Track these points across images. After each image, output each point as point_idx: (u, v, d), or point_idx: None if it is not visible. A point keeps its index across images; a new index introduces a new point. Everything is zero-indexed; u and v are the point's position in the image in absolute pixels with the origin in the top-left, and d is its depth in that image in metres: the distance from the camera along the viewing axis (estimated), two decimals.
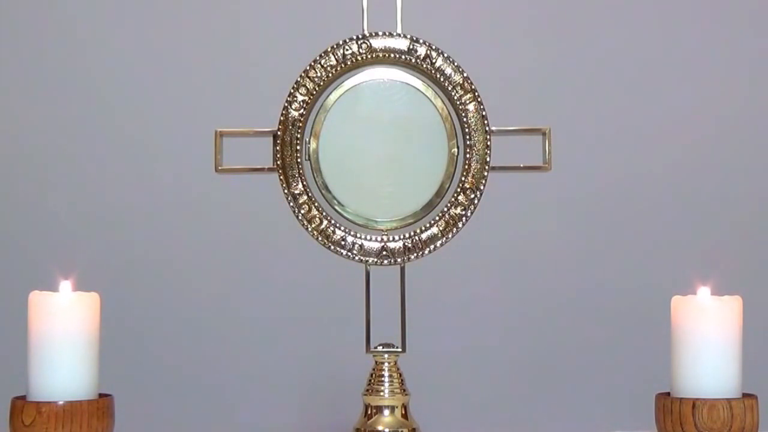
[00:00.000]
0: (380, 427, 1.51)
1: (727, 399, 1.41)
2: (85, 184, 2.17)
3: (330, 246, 1.50)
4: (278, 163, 1.50)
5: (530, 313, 2.16)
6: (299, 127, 1.50)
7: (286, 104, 1.50)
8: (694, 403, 1.41)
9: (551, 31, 2.19)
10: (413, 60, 1.51)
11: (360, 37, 1.51)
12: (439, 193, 1.52)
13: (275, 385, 2.14)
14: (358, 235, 1.51)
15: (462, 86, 1.51)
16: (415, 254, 1.51)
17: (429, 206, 1.52)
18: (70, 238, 2.15)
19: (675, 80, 2.19)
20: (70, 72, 2.17)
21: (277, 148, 1.50)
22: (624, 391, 2.11)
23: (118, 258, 2.15)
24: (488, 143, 1.50)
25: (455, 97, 1.51)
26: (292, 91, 1.50)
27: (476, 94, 1.51)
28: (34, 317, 1.40)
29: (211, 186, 2.09)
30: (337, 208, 1.51)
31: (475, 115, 1.51)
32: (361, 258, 1.50)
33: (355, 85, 1.51)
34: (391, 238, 1.51)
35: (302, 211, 1.50)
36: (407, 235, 1.51)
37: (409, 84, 1.51)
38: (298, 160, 1.50)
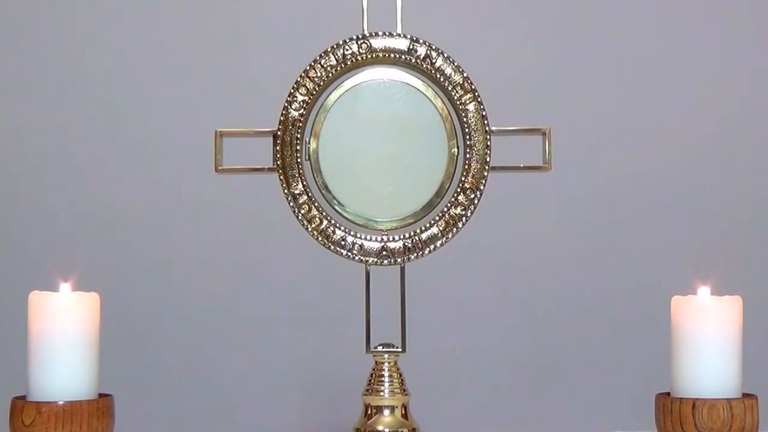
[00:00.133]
0: (380, 427, 1.51)
1: (727, 399, 1.41)
2: (85, 184, 2.17)
3: (330, 246, 1.50)
4: (278, 163, 1.50)
5: (530, 313, 2.16)
6: (299, 127, 1.50)
7: (286, 104, 1.50)
8: (694, 403, 1.41)
9: (551, 31, 2.19)
10: (413, 60, 1.51)
11: (360, 37, 1.51)
12: (439, 193, 1.52)
13: (275, 385, 2.14)
14: (358, 235, 1.51)
15: (462, 86, 1.51)
16: (415, 254, 1.51)
17: (429, 206, 1.52)
18: (70, 238, 2.15)
19: (675, 80, 2.19)
20: (70, 72, 2.17)
21: (277, 148, 1.50)
22: (624, 391, 2.11)
23: (118, 258, 2.15)
24: (488, 143, 1.50)
25: (455, 97, 1.51)
26: (292, 91, 1.50)
27: (476, 94, 1.51)
28: (34, 317, 1.40)
29: (211, 186, 2.09)
30: (337, 208, 1.51)
31: (475, 115, 1.51)
32: (361, 258, 1.50)
33: (355, 85, 1.51)
34: (391, 238, 1.51)
35: (302, 211, 1.50)
36: (407, 235, 1.51)
37: (409, 84, 1.51)
38: (298, 160, 1.50)
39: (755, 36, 2.19)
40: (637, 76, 2.19)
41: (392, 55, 1.51)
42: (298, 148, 1.50)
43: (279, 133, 1.50)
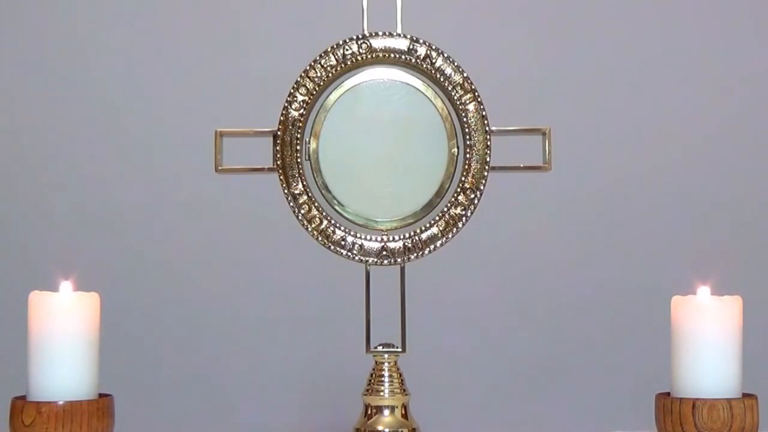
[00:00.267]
0: (380, 427, 1.51)
1: (727, 399, 1.41)
2: (85, 184, 2.17)
3: (330, 246, 1.50)
4: (278, 163, 1.50)
5: (530, 313, 2.16)
6: (299, 127, 1.50)
7: (286, 104, 1.50)
8: (694, 403, 1.41)
9: (551, 31, 2.19)
10: (413, 60, 1.51)
11: (360, 37, 1.51)
12: (439, 193, 1.52)
13: (275, 385, 2.14)
14: (358, 235, 1.51)
15: (462, 86, 1.51)
16: (415, 254, 1.51)
17: (429, 206, 1.52)
18: (70, 238, 2.15)
19: (675, 80, 2.19)
20: (70, 72, 2.17)
21: (277, 148, 1.50)
22: (624, 391, 2.11)
23: (118, 258, 2.15)
24: (488, 143, 1.50)
25: (455, 97, 1.51)
26: (292, 91, 1.50)
27: (476, 94, 1.51)
28: (34, 317, 1.40)
29: (211, 186, 2.09)
30: (337, 208, 1.51)
31: (475, 115, 1.51)
32: (361, 258, 1.50)
33: (355, 85, 1.51)
34: (391, 238, 1.51)
35: (302, 211, 1.50)
36: (407, 235, 1.51)
37: (409, 84, 1.51)
38: (298, 160, 1.50)
39: (755, 36, 2.19)
40: (637, 77, 2.19)
41: (392, 55, 1.51)
42: (298, 148, 1.50)
43: (279, 133, 1.50)
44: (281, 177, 1.50)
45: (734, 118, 2.19)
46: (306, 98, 1.50)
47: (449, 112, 1.51)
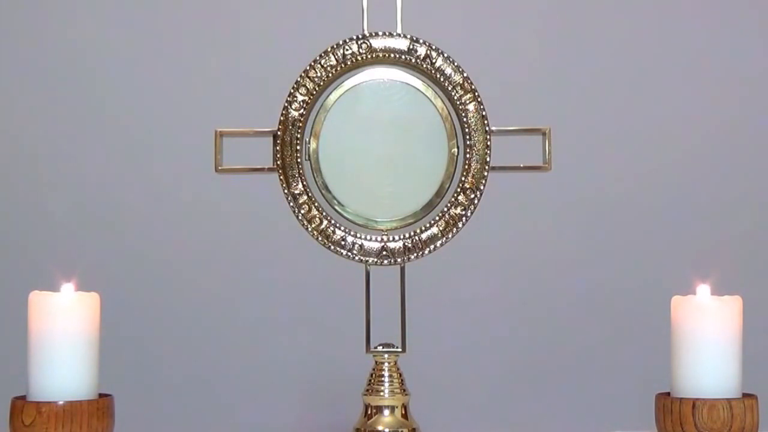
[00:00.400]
0: (380, 427, 1.51)
1: (727, 399, 1.41)
2: (85, 184, 2.17)
3: (330, 246, 1.50)
4: (278, 163, 1.50)
5: (530, 313, 2.16)
6: (299, 127, 1.50)
7: (286, 104, 1.50)
8: (694, 403, 1.41)
9: (551, 31, 2.19)
10: (413, 60, 1.51)
11: (360, 37, 1.51)
12: (439, 193, 1.51)
13: (275, 385, 2.14)
14: (358, 235, 1.51)
15: (462, 86, 1.51)
16: (415, 254, 1.51)
17: (429, 206, 1.52)
18: (71, 238, 2.15)
19: (675, 80, 2.18)
20: (70, 72, 2.17)
21: (277, 148, 1.50)
22: (624, 391, 2.11)
23: (118, 258, 2.15)
24: (488, 143, 1.50)
25: (455, 97, 1.51)
26: (292, 91, 1.50)
27: (476, 94, 1.51)
28: (34, 317, 1.40)
29: (211, 186, 2.09)
30: (337, 208, 1.51)
31: (475, 115, 1.51)
32: (361, 258, 1.50)
33: (355, 85, 1.51)
34: (391, 238, 1.51)
35: (302, 211, 1.50)
36: (407, 235, 1.51)
37: (409, 84, 1.51)
38: (298, 160, 1.50)
39: (756, 36, 2.19)
40: (638, 77, 2.19)
41: (392, 55, 1.51)
42: (298, 148, 1.50)
43: (279, 133, 1.50)
44: (281, 177, 1.50)
45: (734, 118, 2.19)
46: (306, 98, 1.50)
47: (449, 112, 1.51)
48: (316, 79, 1.50)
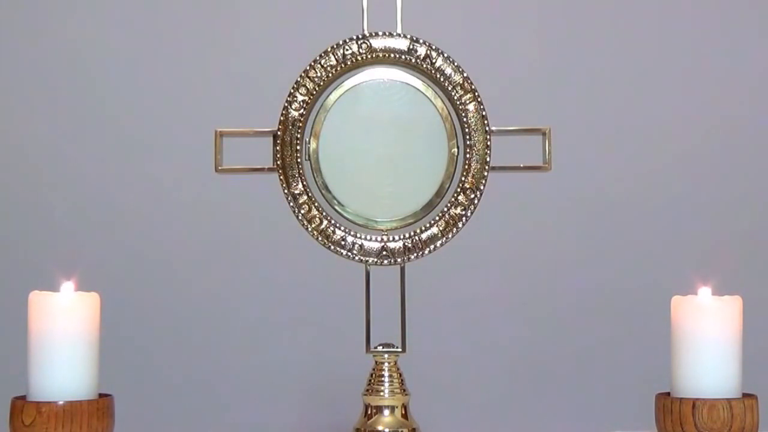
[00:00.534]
0: (380, 427, 1.51)
1: (727, 399, 1.41)
2: (85, 184, 2.17)
3: (330, 246, 1.50)
4: (278, 163, 1.50)
5: (530, 313, 2.16)
6: (299, 127, 1.50)
7: (286, 104, 1.50)
8: (694, 403, 1.41)
9: (551, 31, 2.19)
10: (413, 60, 1.51)
11: (360, 37, 1.51)
12: (439, 193, 1.51)
13: (275, 385, 2.14)
14: (358, 235, 1.51)
15: (462, 86, 1.51)
16: (415, 254, 1.51)
17: (429, 206, 1.52)
18: (70, 238, 2.15)
19: (675, 80, 2.18)
20: (70, 72, 2.17)
21: (277, 148, 1.50)
22: (624, 391, 2.11)
23: (118, 258, 2.15)
24: (488, 143, 1.50)
25: (455, 97, 1.51)
26: (292, 91, 1.50)
27: (476, 94, 1.51)
28: (34, 317, 1.40)
29: (211, 186, 2.09)
30: (337, 208, 1.51)
31: (475, 115, 1.51)
32: (361, 258, 1.50)
33: (355, 85, 1.51)
34: (391, 238, 1.51)
35: (302, 211, 1.50)
36: (407, 235, 1.51)
37: (409, 84, 1.51)
38: (298, 160, 1.50)
39: (756, 36, 2.19)
40: (638, 76, 2.18)
41: (392, 55, 1.51)
42: (298, 148, 1.50)
43: (279, 133, 1.50)
44: (281, 177, 1.50)
45: (734, 118, 2.19)
46: (306, 98, 1.50)
47: (449, 112, 1.51)
48: (316, 79, 1.50)
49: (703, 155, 2.18)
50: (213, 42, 2.18)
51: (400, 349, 1.52)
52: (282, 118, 1.50)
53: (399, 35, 1.51)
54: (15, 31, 2.18)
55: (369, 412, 1.52)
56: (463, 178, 1.50)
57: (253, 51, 2.18)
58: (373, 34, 1.51)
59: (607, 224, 2.18)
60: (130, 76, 2.17)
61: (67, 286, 1.42)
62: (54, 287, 1.42)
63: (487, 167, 1.50)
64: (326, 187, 1.51)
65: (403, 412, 1.52)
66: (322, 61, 1.51)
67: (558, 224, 2.18)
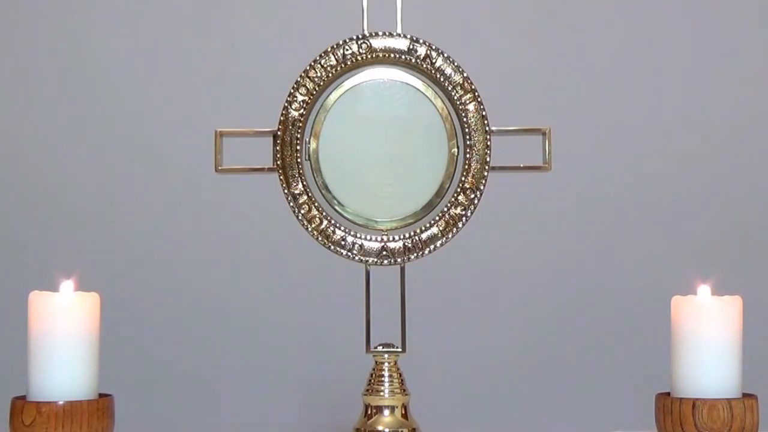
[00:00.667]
0: (380, 427, 1.51)
1: (727, 399, 1.41)
2: (85, 183, 2.17)
3: (330, 246, 1.50)
4: (278, 163, 1.50)
5: (530, 313, 2.16)
6: (299, 127, 1.50)
7: (286, 104, 1.50)
8: (694, 403, 1.41)
9: (551, 31, 2.19)
10: (413, 60, 1.51)
11: (360, 37, 1.51)
12: (439, 193, 1.51)
13: (275, 385, 2.14)
14: (358, 235, 1.51)
15: (462, 86, 1.51)
16: (415, 254, 1.51)
17: (429, 206, 1.52)
18: (70, 238, 2.15)
19: (675, 80, 2.18)
20: (69, 72, 2.17)
21: (277, 148, 1.50)
22: (624, 391, 2.11)
23: (118, 258, 2.15)
24: (488, 143, 1.50)
25: (455, 97, 1.51)
26: (292, 91, 1.50)
27: (476, 94, 1.51)
28: (34, 317, 1.40)
29: (211, 186, 2.09)
30: (337, 208, 1.51)
31: (475, 115, 1.51)
32: (361, 258, 1.50)
33: (355, 85, 1.51)
34: (391, 238, 1.51)
35: (302, 211, 1.50)
36: (407, 235, 1.51)
37: (409, 84, 1.51)
38: (298, 160, 1.50)
39: (757, 37, 2.19)
40: (638, 76, 2.19)
41: (392, 55, 1.51)
42: (298, 148, 1.50)
43: (279, 133, 1.50)
44: (281, 177, 1.50)
45: (734, 118, 2.19)
46: (306, 98, 1.50)
47: (449, 112, 1.51)
48: (316, 79, 1.50)
49: (702, 155, 2.18)
50: (213, 42, 2.18)
51: (400, 349, 1.52)
52: (282, 118, 1.50)
53: (399, 35, 1.51)
54: (15, 32, 2.18)
55: (369, 412, 1.52)
56: (463, 178, 1.50)
57: (253, 51, 2.18)
58: (373, 34, 1.51)
59: (607, 224, 2.18)
60: (130, 76, 2.17)
61: (67, 286, 1.42)
62: (54, 287, 1.42)
63: (487, 167, 1.50)
64: (326, 187, 1.51)
65: (403, 412, 1.52)
66: (322, 61, 1.51)
67: (558, 224, 2.18)
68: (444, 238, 1.51)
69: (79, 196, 2.16)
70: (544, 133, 1.52)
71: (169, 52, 2.18)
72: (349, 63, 1.51)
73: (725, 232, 2.18)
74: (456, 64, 1.51)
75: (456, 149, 1.51)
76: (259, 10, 2.18)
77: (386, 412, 1.52)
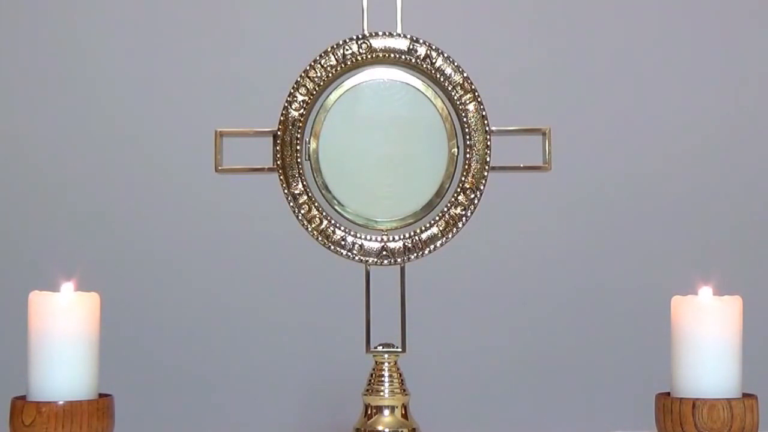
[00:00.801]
0: (380, 427, 1.51)
1: (727, 399, 1.41)
2: (85, 183, 2.17)
3: (330, 246, 1.50)
4: (278, 163, 1.50)
5: (530, 313, 2.16)
6: (299, 127, 1.50)
7: (286, 104, 1.50)
8: (694, 403, 1.41)
9: (551, 31, 2.19)
10: (413, 60, 1.51)
11: (360, 37, 1.51)
12: (439, 193, 1.51)
13: (275, 385, 2.14)
14: (358, 235, 1.51)
15: (462, 86, 1.51)
16: (415, 254, 1.51)
17: (429, 206, 1.52)
18: (71, 238, 2.15)
19: (675, 80, 2.18)
20: (70, 72, 2.17)
21: (277, 148, 1.50)
22: (624, 391, 2.11)
23: (118, 258, 2.15)
24: (488, 143, 1.50)
25: (455, 97, 1.51)
26: (292, 91, 1.50)
27: (476, 94, 1.51)
28: (34, 317, 1.40)
29: (211, 186, 2.09)
30: (337, 208, 1.51)
31: (475, 115, 1.51)
32: (361, 258, 1.50)
33: (355, 85, 1.51)
34: (391, 238, 1.51)
35: (302, 211, 1.50)
36: (407, 235, 1.51)
37: (409, 84, 1.51)
38: (298, 160, 1.50)
39: (757, 37, 2.19)
40: (638, 76, 2.18)
41: (392, 55, 1.51)
42: (298, 148, 1.50)
43: (279, 133, 1.50)
44: (281, 177, 1.50)
45: (735, 118, 2.19)
46: (306, 98, 1.50)
47: (449, 112, 1.51)
48: (316, 79, 1.50)
49: (702, 155, 2.18)
50: (213, 42, 2.18)
51: (400, 349, 1.52)
52: (282, 118, 1.50)
53: (399, 35, 1.51)
54: (15, 32, 2.17)
55: (369, 412, 1.52)
56: (463, 178, 1.50)
57: (253, 51, 2.18)
58: (373, 34, 1.51)
59: (607, 224, 2.18)
60: (130, 76, 2.17)
61: (67, 287, 1.42)
62: (54, 287, 1.42)
63: (487, 167, 1.50)
64: (326, 187, 1.51)
65: (403, 412, 1.52)
66: (322, 61, 1.51)
67: (558, 224, 2.18)
68: (444, 238, 1.51)
69: (79, 196, 2.16)
70: (544, 133, 1.52)
71: (169, 52, 2.18)
72: (349, 63, 1.51)
73: (725, 232, 2.18)
74: (456, 64, 1.51)
75: (456, 149, 1.51)
76: (259, 10, 2.18)
77: (386, 412, 1.52)
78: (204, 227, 2.17)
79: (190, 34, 2.18)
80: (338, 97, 1.51)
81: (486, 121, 1.50)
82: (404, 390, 1.52)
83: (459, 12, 2.18)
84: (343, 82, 1.52)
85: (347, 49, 1.51)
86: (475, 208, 1.51)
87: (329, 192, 1.51)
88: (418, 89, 1.51)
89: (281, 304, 2.15)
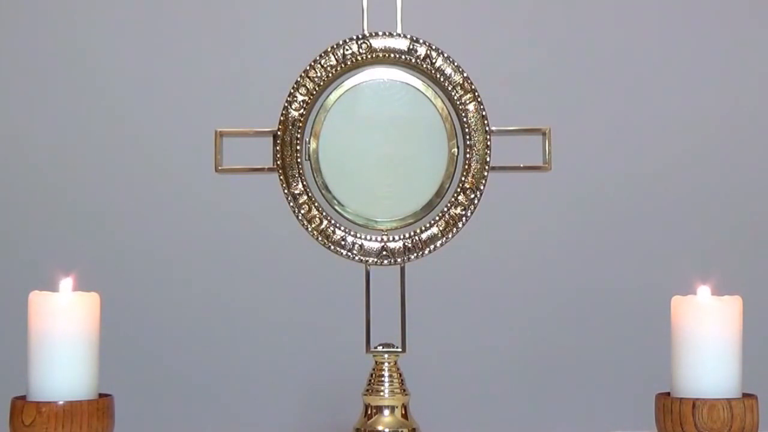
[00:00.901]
0: (380, 427, 1.51)
1: (727, 399, 1.41)
2: (85, 183, 2.17)
3: (330, 246, 1.50)
4: (278, 163, 1.50)
5: (530, 313, 2.16)
6: (299, 127, 1.50)
7: (286, 104, 1.50)
8: (694, 403, 1.41)
9: (551, 31, 2.19)
10: (413, 60, 1.51)
11: (360, 37, 1.51)
12: (439, 193, 1.51)
13: (275, 385, 2.14)
14: (358, 235, 1.51)
15: (462, 86, 1.51)
16: (415, 254, 1.50)
17: (429, 206, 1.52)
18: (70, 238, 2.15)
19: (675, 80, 2.18)
20: (70, 72, 2.17)
21: (277, 148, 1.50)
22: (624, 391, 2.11)
23: (118, 258, 2.15)
24: (488, 143, 1.50)
25: (455, 97, 1.51)
26: (292, 91, 1.50)
27: (476, 94, 1.50)
28: (34, 317, 1.40)
29: (211, 186, 2.09)
30: (337, 208, 1.51)
31: (475, 115, 1.51)
32: (361, 258, 1.50)
33: (355, 85, 1.51)
34: (391, 238, 1.51)
35: (302, 211, 1.50)
36: (407, 235, 1.51)
37: (409, 84, 1.51)
38: (298, 160, 1.50)
39: (757, 37, 2.19)
40: (638, 76, 2.18)
41: (392, 55, 1.51)
42: (298, 148, 1.50)
43: (279, 133, 1.50)
44: (281, 177, 1.50)
45: (735, 118, 2.19)
46: (306, 98, 1.50)
47: (449, 112, 1.51)
48: (316, 79, 1.50)
49: (703, 155, 2.18)
50: (213, 42, 2.18)
51: (400, 349, 1.52)
52: (282, 118, 1.50)
53: (399, 35, 1.51)
54: (15, 32, 2.18)
55: (369, 412, 1.52)
56: (463, 178, 1.50)
57: (253, 51, 2.18)
58: (373, 34, 1.51)
59: (606, 224, 2.18)
60: (130, 75, 2.17)
61: (66, 283, 1.42)
62: (53, 287, 1.42)
63: (487, 167, 1.50)
64: (326, 187, 1.51)
65: (403, 412, 1.52)
66: (322, 61, 1.51)
67: (558, 224, 2.18)
68: (444, 238, 1.51)
69: (79, 196, 2.16)
70: (544, 133, 1.52)
71: (169, 52, 2.18)
72: (349, 63, 1.51)
73: (725, 232, 2.18)
74: (456, 64, 1.51)
75: (456, 149, 1.51)
76: (260, 10, 2.18)
77: (386, 412, 1.52)
78: (204, 227, 2.17)
79: (190, 34, 2.18)
80: (338, 97, 1.51)
81: (486, 121, 1.50)
82: (404, 390, 1.52)
83: (459, 12, 2.18)
84: (343, 82, 1.52)
85: (347, 49, 1.51)
86: (475, 208, 1.51)
87: (329, 192, 1.51)
88: (418, 89, 1.51)
89: (281, 304, 2.15)
